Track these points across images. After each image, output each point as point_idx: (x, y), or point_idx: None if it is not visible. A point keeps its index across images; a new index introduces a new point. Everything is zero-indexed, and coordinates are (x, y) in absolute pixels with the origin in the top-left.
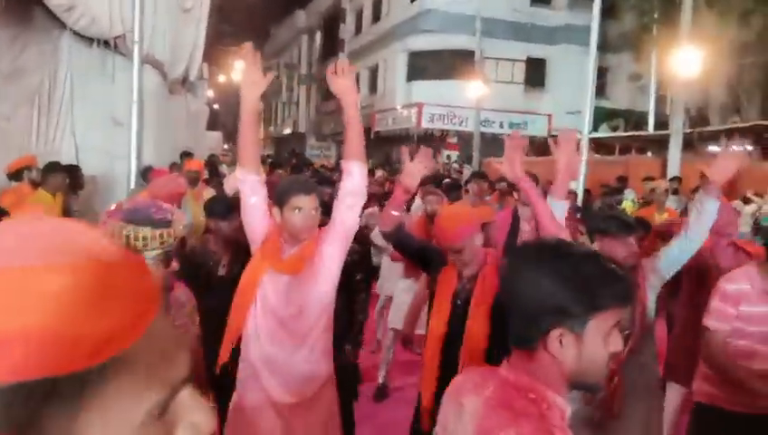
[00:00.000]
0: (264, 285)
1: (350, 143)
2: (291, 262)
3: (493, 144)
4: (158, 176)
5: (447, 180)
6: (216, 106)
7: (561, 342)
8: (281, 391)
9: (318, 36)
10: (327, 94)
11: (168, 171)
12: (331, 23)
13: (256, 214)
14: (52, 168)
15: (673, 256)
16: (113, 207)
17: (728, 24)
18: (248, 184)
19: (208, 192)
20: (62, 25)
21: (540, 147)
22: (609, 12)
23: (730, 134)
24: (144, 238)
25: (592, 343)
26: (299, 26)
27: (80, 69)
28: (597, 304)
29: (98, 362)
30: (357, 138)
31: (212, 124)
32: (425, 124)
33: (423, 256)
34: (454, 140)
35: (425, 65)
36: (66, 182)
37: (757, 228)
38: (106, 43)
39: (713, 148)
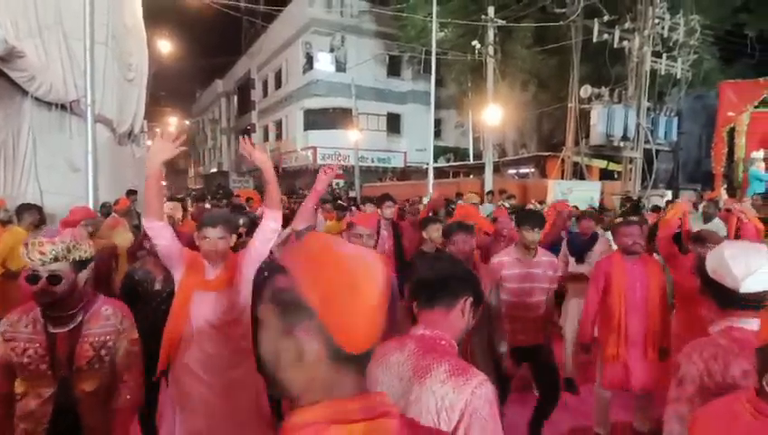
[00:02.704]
0: (195, 300)
1: (270, 197)
2: (215, 283)
3: (367, 173)
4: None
5: (339, 201)
6: None
7: (467, 306)
8: (213, 379)
9: (234, 98)
10: None
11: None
12: (244, 88)
13: (166, 251)
14: (27, 207)
15: None
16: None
17: (515, 91)
18: (154, 230)
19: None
20: (25, 92)
21: (400, 174)
22: (440, 82)
23: (520, 161)
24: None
25: (470, 315)
26: (218, 91)
27: (41, 127)
28: (480, 296)
29: None
30: (275, 193)
31: None
32: (319, 161)
33: None
34: (341, 172)
35: (317, 119)
36: (38, 218)
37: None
38: (63, 106)
39: (511, 171)
